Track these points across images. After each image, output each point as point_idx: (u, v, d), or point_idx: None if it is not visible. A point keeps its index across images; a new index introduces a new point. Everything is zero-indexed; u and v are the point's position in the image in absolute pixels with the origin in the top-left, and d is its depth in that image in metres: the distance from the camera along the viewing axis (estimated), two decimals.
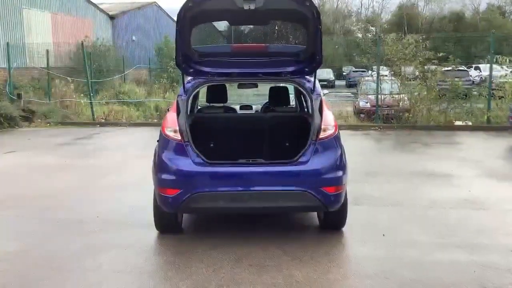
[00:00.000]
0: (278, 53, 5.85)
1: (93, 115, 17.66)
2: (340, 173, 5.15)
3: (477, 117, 15.82)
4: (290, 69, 5.73)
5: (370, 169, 9.10)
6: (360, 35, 51.04)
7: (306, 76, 5.78)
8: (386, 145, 12.89)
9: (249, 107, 8.21)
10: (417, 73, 16.08)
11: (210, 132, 6.12)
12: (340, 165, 5.18)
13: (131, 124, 16.80)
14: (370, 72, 32.43)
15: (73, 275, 4.67)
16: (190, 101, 5.57)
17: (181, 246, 5.29)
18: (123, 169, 9.42)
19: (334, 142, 5.21)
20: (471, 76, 25.23)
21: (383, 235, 5.58)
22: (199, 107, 7.34)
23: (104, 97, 20.49)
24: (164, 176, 5.09)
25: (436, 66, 15.81)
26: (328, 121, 5.25)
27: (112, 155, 11.13)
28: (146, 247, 5.34)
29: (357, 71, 38.56)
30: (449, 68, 17.72)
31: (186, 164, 5.03)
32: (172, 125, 5.20)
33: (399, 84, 16.24)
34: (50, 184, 8.34)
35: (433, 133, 14.28)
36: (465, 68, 24.52)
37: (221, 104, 6.71)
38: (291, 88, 7.18)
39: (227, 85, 6.60)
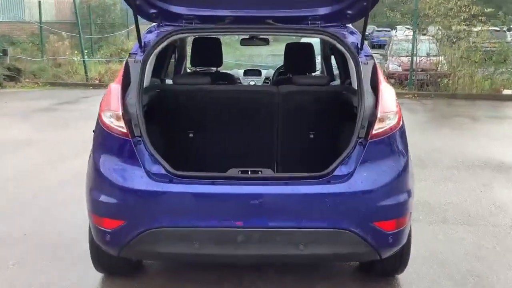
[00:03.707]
0: None
1: (86, 75, 15.66)
2: (404, 196, 2.94)
3: None
4: (322, 11, 3.38)
5: (416, 156, 6.62)
6: None
7: (347, 25, 3.52)
8: (426, 119, 10.72)
9: (256, 72, 5.91)
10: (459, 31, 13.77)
11: (185, 119, 3.80)
12: (406, 182, 2.98)
13: None
14: (394, 31, 30.06)
15: None
16: (150, 65, 3.27)
17: None
18: None
19: (396, 142, 2.99)
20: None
21: None
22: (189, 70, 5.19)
23: (104, 55, 18.38)
24: (100, 197, 2.93)
25: (483, 24, 13.58)
26: (388, 104, 2.97)
27: (91, 127, 8.98)
28: None
29: (380, 30, 35.99)
30: (497, 28, 15.43)
31: (134, 177, 2.86)
32: (113, 107, 3.00)
33: (438, 45, 13.92)
34: None
35: (478, 103, 12.24)
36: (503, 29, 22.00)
37: (214, 69, 4.49)
38: (317, 45, 4.94)
39: (221, 38, 4.29)
